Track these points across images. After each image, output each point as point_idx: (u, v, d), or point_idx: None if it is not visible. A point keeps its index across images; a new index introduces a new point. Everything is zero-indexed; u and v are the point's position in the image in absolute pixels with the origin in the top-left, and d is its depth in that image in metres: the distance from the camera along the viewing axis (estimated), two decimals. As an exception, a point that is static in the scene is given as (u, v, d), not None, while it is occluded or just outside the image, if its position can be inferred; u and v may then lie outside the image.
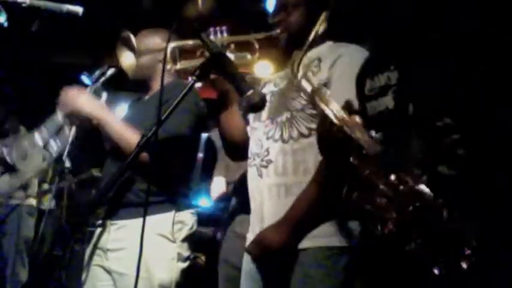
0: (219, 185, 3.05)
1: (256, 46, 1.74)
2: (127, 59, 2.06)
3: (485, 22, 1.19)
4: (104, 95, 2.22)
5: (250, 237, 1.73)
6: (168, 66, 1.76)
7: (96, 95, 2.19)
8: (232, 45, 1.72)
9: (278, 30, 1.69)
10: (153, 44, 2.15)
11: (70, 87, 2.04)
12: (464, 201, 1.11)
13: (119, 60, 2.06)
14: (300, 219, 1.53)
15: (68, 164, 5.16)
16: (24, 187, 4.45)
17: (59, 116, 2.12)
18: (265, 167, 1.64)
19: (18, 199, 4.42)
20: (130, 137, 1.90)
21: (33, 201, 4.55)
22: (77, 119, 2.08)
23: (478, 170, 1.11)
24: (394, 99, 1.30)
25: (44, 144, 2.26)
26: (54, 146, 2.33)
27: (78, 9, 1.90)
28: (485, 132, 1.13)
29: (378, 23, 1.47)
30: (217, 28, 1.71)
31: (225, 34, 1.71)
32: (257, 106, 1.53)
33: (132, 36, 1.97)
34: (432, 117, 1.18)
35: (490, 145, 1.12)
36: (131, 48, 2.01)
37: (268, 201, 1.62)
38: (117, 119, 2.03)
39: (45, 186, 5.02)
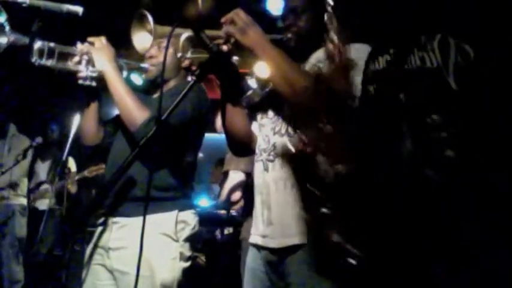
0: (236, 182, 2.69)
1: None
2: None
3: (486, 22, 1.19)
4: (125, 73, 2.16)
5: (254, 232, 1.75)
6: (179, 55, 1.78)
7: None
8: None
9: (289, 35, 1.70)
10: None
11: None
12: (464, 200, 1.11)
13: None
14: (271, 57, 1.51)
15: (74, 165, 5.17)
16: (14, 186, 4.48)
17: (77, 46, 2.03)
18: (272, 161, 1.67)
19: (10, 199, 4.45)
20: (131, 103, 1.91)
21: (23, 200, 4.58)
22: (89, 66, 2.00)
23: (479, 168, 1.11)
24: (387, 87, 1.28)
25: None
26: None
27: (78, 9, 1.90)
28: (486, 132, 1.13)
29: (378, 23, 1.47)
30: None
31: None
32: (257, 106, 1.54)
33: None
34: (421, 112, 1.17)
35: (491, 144, 1.12)
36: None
37: (275, 193, 1.64)
38: (124, 82, 1.99)
39: (45, 186, 5.04)
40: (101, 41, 2.00)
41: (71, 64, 1.99)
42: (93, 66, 1.98)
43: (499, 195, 1.09)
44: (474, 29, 1.15)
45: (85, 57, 1.99)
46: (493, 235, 1.08)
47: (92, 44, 1.99)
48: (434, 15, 1.25)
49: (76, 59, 1.99)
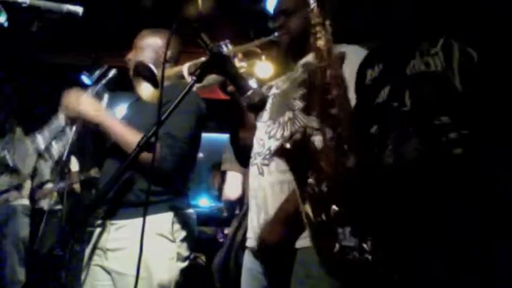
0: (234, 183, 2.70)
1: (259, 51, 1.77)
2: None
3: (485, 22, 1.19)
4: (106, 97, 2.22)
5: (250, 235, 1.74)
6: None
7: (97, 97, 2.19)
8: (240, 55, 1.72)
9: (276, 34, 1.73)
10: (153, 43, 2.18)
11: (72, 90, 2.03)
12: (466, 200, 1.11)
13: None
14: (288, 219, 1.52)
15: (76, 165, 5.18)
16: (18, 187, 4.49)
17: (60, 119, 2.10)
18: (267, 165, 1.66)
19: (13, 199, 4.46)
20: (132, 139, 1.88)
21: (26, 201, 4.60)
22: (79, 121, 2.07)
23: (483, 168, 1.11)
24: (389, 91, 1.28)
25: (45, 147, 2.21)
26: (56, 149, 2.29)
27: (78, 9, 1.90)
28: (492, 133, 1.13)
29: (378, 24, 1.47)
30: (221, 42, 1.70)
31: (229, 46, 1.70)
32: (257, 106, 1.54)
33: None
34: (429, 115, 1.17)
35: (497, 145, 1.12)
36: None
37: (272, 197, 1.63)
38: (118, 122, 2.03)
39: (49, 186, 5.05)
40: (69, 100, 2.02)
41: (68, 134, 2.12)
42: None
43: (501, 195, 1.09)
44: (477, 33, 1.16)
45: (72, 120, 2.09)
46: (493, 235, 1.08)
47: (64, 107, 2.03)
48: (436, 20, 1.25)
49: (68, 126, 2.10)
